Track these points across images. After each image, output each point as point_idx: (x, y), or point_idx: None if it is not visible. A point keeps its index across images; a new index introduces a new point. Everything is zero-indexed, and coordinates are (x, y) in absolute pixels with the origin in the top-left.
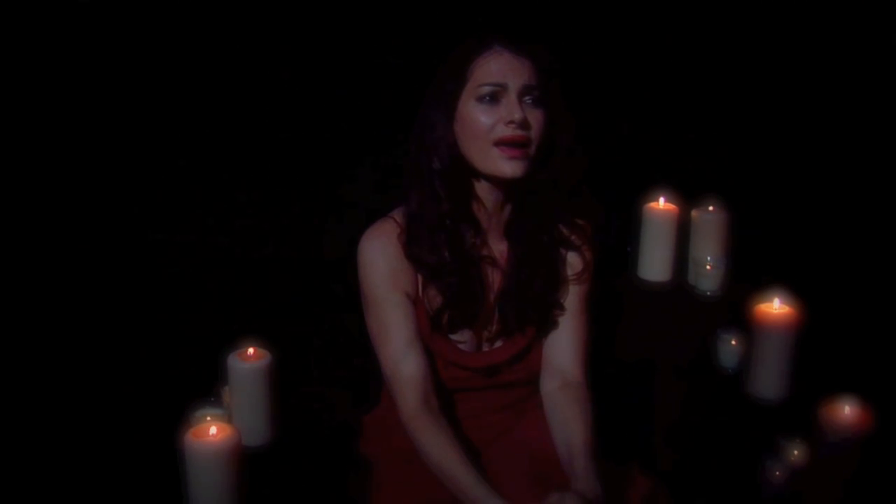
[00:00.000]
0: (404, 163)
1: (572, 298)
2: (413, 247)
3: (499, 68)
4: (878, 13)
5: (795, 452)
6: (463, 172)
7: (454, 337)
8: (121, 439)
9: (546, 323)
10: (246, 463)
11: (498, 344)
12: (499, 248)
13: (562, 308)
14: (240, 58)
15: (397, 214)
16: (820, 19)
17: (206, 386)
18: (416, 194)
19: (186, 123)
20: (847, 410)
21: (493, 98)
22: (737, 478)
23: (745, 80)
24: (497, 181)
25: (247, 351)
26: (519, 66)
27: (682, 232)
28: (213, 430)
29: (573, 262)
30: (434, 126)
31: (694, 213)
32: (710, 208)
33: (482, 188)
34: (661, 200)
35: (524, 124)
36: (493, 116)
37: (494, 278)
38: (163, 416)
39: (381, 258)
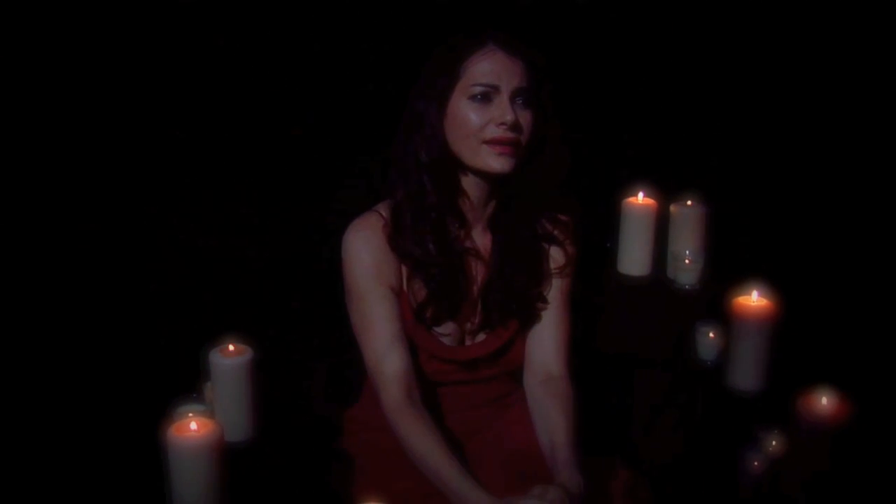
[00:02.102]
0: (391, 154)
1: (554, 293)
2: (397, 237)
3: (492, 68)
4: (851, 12)
5: (773, 443)
6: (450, 166)
7: (437, 330)
8: (103, 436)
9: (529, 317)
10: (228, 457)
11: (480, 337)
12: (482, 241)
13: (545, 301)
14: (238, 57)
15: (382, 208)
16: (795, 17)
17: (188, 382)
18: (402, 186)
19: (180, 121)
20: (824, 401)
21: (485, 98)
22: (716, 468)
23: (723, 76)
24: (484, 175)
25: (228, 346)
26: (512, 67)
27: (661, 226)
28: (194, 425)
29: (556, 256)
30: (423, 120)
31: (672, 207)
32: (689, 203)
33: (468, 182)
34: (640, 195)
35: (515, 126)
36: (484, 116)
37: (478, 271)
38: (145, 413)
39: (365, 251)
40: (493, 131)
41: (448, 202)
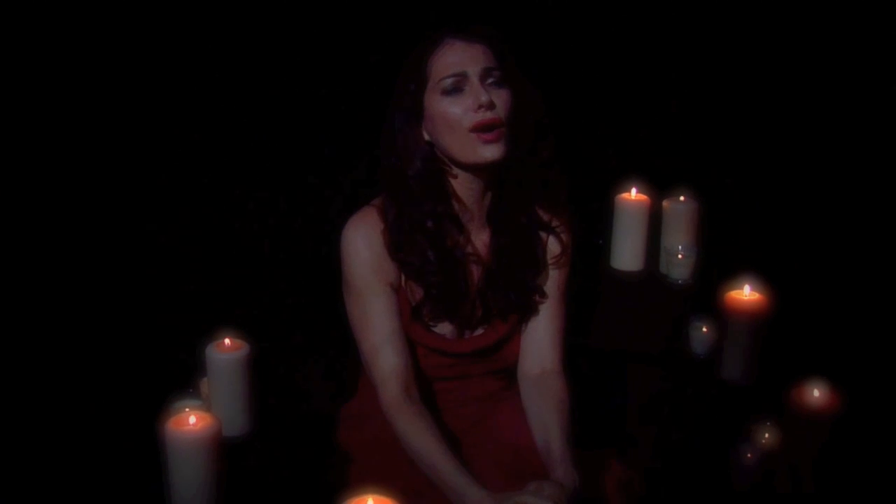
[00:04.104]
0: (378, 172)
1: (551, 285)
2: (396, 249)
3: (455, 59)
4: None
5: (766, 435)
6: (439, 172)
7: (434, 329)
8: (100, 431)
9: (527, 309)
10: (225, 452)
11: (479, 331)
12: (481, 237)
13: (542, 294)
14: (237, 56)
15: (378, 202)
16: (785, 12)
17: (184, 378)
18: (395, 202)
19: (178, 120)
20: (816, 393)
21: (457, 88)
22: (709, 461)
23: (717, 72)
24: (476, 170)
25: (224, 341)
26: (474, 52)
27: (654, 222)
28: (192, 419)
29: (552, 246)
30: (403, 131)
31: (665, 203)
32: (681, 198)
33: (460, 183)
34: (633, 191)
35: (492, 105)
36: (461, 105)
37: (478, 269)
38: (142, 408)
39: (364, 247)
40: (473, 117)
41: (443, 207)
